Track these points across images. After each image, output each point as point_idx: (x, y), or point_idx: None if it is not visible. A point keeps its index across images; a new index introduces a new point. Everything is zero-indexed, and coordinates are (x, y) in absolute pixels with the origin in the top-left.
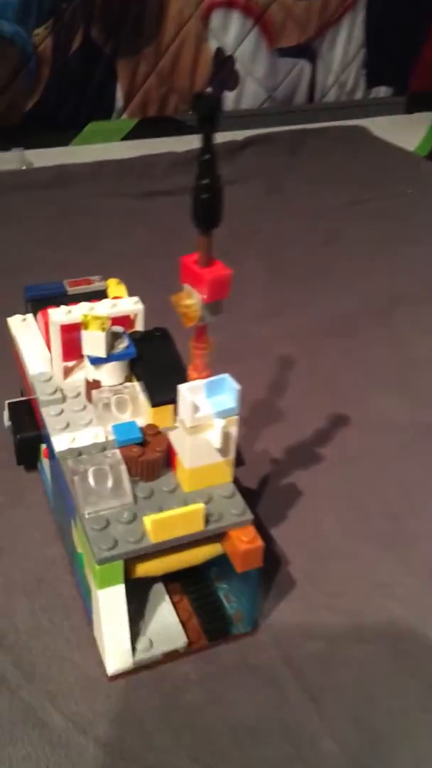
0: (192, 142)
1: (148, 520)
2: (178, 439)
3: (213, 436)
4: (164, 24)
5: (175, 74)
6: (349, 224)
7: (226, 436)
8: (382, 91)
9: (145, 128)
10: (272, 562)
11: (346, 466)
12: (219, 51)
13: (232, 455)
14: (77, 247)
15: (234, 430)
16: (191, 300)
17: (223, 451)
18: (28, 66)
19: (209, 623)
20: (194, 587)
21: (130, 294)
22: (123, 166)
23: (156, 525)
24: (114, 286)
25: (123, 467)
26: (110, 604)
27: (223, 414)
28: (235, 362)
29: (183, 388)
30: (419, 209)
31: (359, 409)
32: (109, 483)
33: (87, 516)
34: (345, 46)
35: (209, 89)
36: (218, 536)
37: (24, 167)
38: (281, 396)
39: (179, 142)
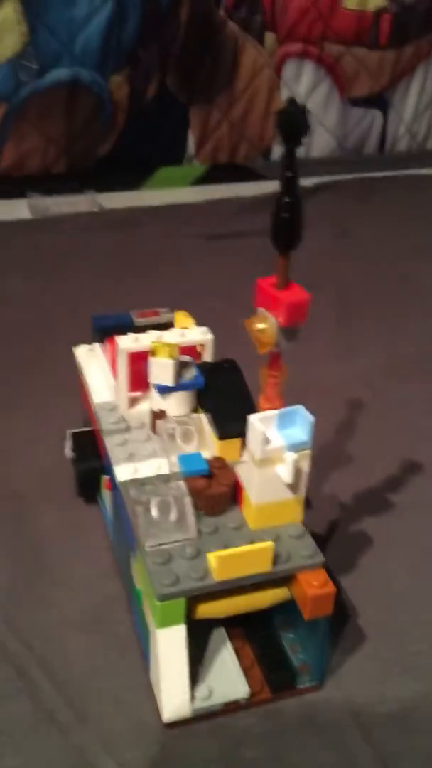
0: (260, 188)
1: (213, 557)
2: (246, 472)
3: (283, 471)
4: (238, 73)
5: (246, 123)
6: (419, 268)
7: (297, 472)
8: None
9: (214, 174)
10: (340, 613)
11: (419, 513)
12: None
13: (302, 492)
14: (144, 285)
15: (306, 466)
16: (265, 324)
17: (293, 487)
18: (104, 112)
19: (273, 674)
20: (258, 634)
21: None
22: (190, 209)
23: (221, 562)
24: (182, 318)
25: (188, 499)
26: (170, 645)
27: (295, 447)
28: (301, 403)
29: (254, 419)
30: None
31: None
32: (173, 515)
33: (148, 549)
34: (418, 97)
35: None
36: (285, 579)
37: (96, 210)
38: (350, 438)
39: (247, 188)
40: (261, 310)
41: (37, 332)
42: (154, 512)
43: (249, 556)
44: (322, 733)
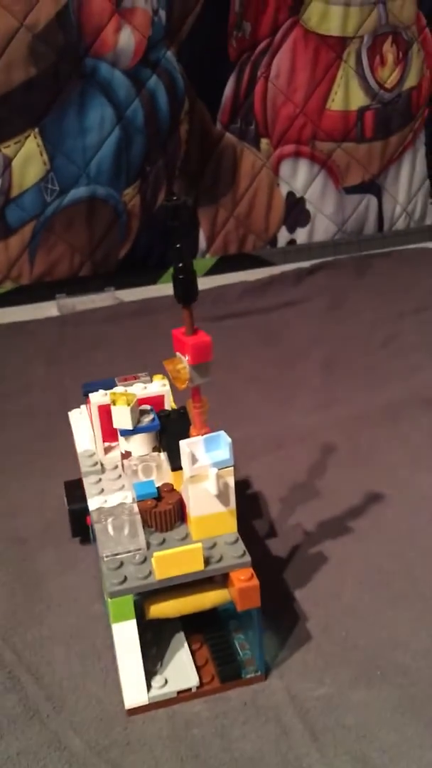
0: (263, 273)
1: (153, 558)
2: (184, 491)
3: (211, 486)
4: (239, 176)
5: (251, 217)
6: (408, 329)
7: (224, 486)
8: None
9: (224, 265)
10: (292, 618)
11: (374, 535)
12: (290, 194)
13: (232, 505)
14: (155, 363)
15: (230, 481)
16: (181, 364)
17: (223, 500)
18: (120, 221)
19: (221, 666)
20: (213, 636)
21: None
22: (200, 295)
23: (159, 562)
24: (158, 380)
25: (138, 518)
26: (124, 637)
27: (218, 465)
28: (280, 448)
29: (183, 444)
30: None
31: (394, 486)
32: (126, 531)
33: (104, 558)
34: (408, 180)
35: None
36: (225, 582)
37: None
38: (320, 477)
39: (252, 274)
40: (178, 354)
41: (54, 410)
42: (110, 529)
43: (183, 556)
44: (262, 713)
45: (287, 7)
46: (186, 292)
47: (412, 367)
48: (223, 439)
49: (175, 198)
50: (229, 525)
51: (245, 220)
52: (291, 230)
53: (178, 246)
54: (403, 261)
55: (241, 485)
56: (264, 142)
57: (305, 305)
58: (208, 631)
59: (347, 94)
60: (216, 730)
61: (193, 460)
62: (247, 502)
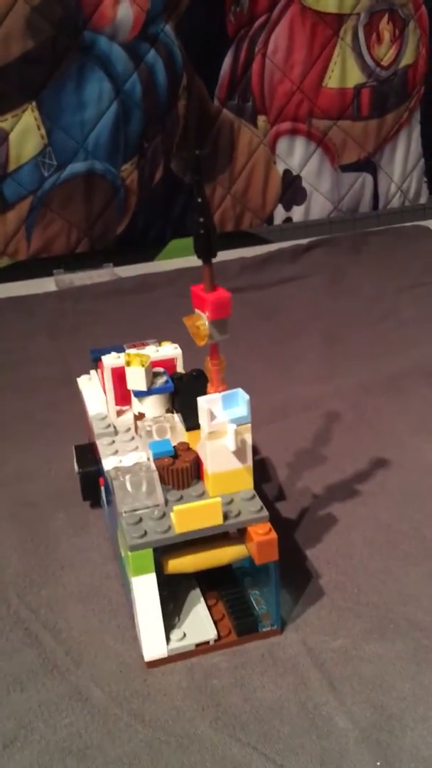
0: (260, 250)
1: (173, 512)
2: (201, 447)
3: (229, 442)
4: (236, 153)
5: (247, 195)
6: (405, 304)
7: (241, 442)
8: None
9: (222, 242)
10: (305, 576)
11: (381, 498)
12: (287, 172)
13: (249, 462)
14: (155, 337)
15: (248, 437)
16: (201, 320)
17: (240, 456)
18: (118, 197)
19: (238, 620)
20: (229, 592)
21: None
22: (198, 271)
23: (179, 516)
24: (167, 344)
25: (155, 475)
26: (143, 591)
27: (236, 421)
28: (285, 417)
29: (201, 400)
30: None
31: (399, 452)
32: (144, 488)
33: (123, 513)
34: (404, 159)
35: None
36: (242, 538)
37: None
38: (326, 444)
39: (250, 251)
40: (197, 310)
41: (58, 382)
42: (129, 486)
43: (202, 510)
44: (279, 664)
45: None
46: (207, 248)
47: (412, 340)
48: (241, 396)
49: (198, 150)
50: (245, 481)
51: (242, 198)
52: (287, 208)
53: (200, 201)
54: (399, 238)
55: None
56: (261, 119)
57: (303, 281)
58: (224, 587)
59: (344, 72)
60: (235, 680)
61: (212, 416)
62: (255, 468)
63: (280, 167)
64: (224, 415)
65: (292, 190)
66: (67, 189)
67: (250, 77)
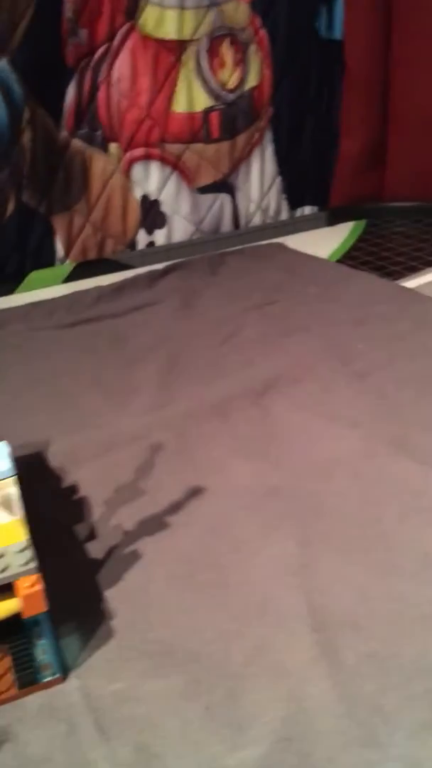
0: (122, 276)
1: None
2: None
3: None
4: (90, 181)
5: (107, 222)
6: (250, 324)
7: (6, 497)
8: (306, 210)
9: (83, 270)
10: (97, 618)
11: (188, 529)
12: (144, 197)
13: (18, 515)
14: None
15: (13, 490)
16: None
17: (8, 510)
18: None
19: (19, 673)
20: (14, 645)
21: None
22: (54, 303)
23: None
24: None
25: None
26: None
27: None
28: (110, 451)
29: None
30: (319, 303)
31: (214, 479)
32: None
33: None
34: (260, 178)
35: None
36: (12, 592)
37: None
38: (145, 477)
39: (111, 278)
40: None
41: None
42: None
43: None
44: (55, 715)
45: (122, 12)
46: None
47: (247, 361)
48: (3, 449)
49: None
50: (17, 534)
51: (102, 225)
52: (149, 232)
53: None
54: (255, 256)
55: (68, 491)
56: (113, 146)
57: (156, 307)
58: (12, 639)
59: (191, 96)
60: (9, 737)
61: None
62: (71, 508)
63: (138, 192)
64: None
65: (152, 214)
66: None
67: (97, 106)
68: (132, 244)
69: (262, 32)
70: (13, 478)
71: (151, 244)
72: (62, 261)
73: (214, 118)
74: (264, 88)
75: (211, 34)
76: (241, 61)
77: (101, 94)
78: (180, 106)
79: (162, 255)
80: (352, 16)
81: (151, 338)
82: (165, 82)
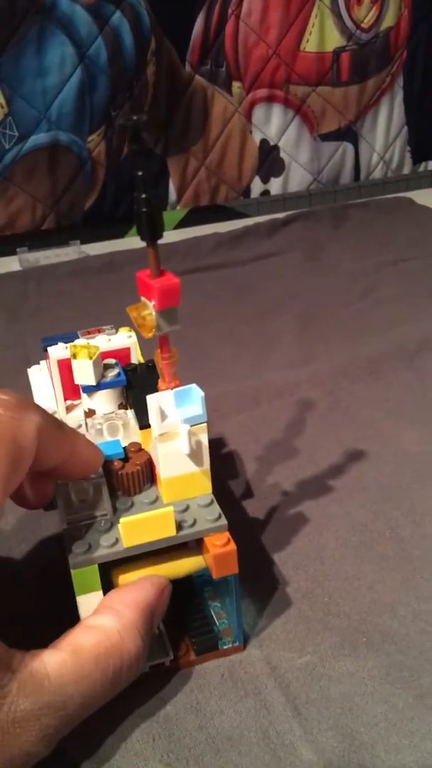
0: (236, 225)
1: (120, 524)
2: (153, 450)
3: (182, 444)
4: (209, 122)
5: (223, 167)
6: (386, 281)
7: (196, 444)
8: (431, 165)
9: (196, 217)
10: (271, 584)
11: (356, 495)
12: (263, 142)
13: (206, 465)
14: (123, 320)
15: (204, 438)
16: (146, 310)
17: (195, 459)
18: (84, 170)
19: (196, 638)
20: (187, 606)
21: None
22: (170, 248)
23: (127, 528)
24: (123, 332)
25: (102, 480)
26: (89, 611)
27: (190, 421)
28: (256, 406)
29: (150, 398)
30: None
31: (377, 443)
32: (89, 496)
33: (65, 527)
34: (386, 127)
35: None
36: (200, 548)
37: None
38: (298, 435)
39: (225, 226)
40: (143, 298)
41: (16, 368)
42: (73, 496)
43: (153, 521)
44: (240, 686)
45: None
46: (151, 228)
47: (392, 320)
48: (195, 392)
49: (134, 117)
50: (203, 486)
51: (217, 170)
52: (265, 180)
53: (140, 173)
54: (381, 211)
55: (215, 444)
56: (236, 86)
57: (280, 258)
58: (182, 600)
59: (322, 35)
60: (191, 706)
61: (162, 416)
62: (222, 463)
63: (257, 137)
64: (177, 414)
65: (270, 161)
66: (30, 162)
67: (224, 41)
68: (246, 192)
69: None
70: (203, 424)
71: (265, 192)
72: (174, 206)
73: (345, 59)
74: (401, 30)
75: None
76: None
77: (229, 28)
78: (310, 44)
79: (278, 204)
80: None
81: (279, 290)
82: (296, 18)
